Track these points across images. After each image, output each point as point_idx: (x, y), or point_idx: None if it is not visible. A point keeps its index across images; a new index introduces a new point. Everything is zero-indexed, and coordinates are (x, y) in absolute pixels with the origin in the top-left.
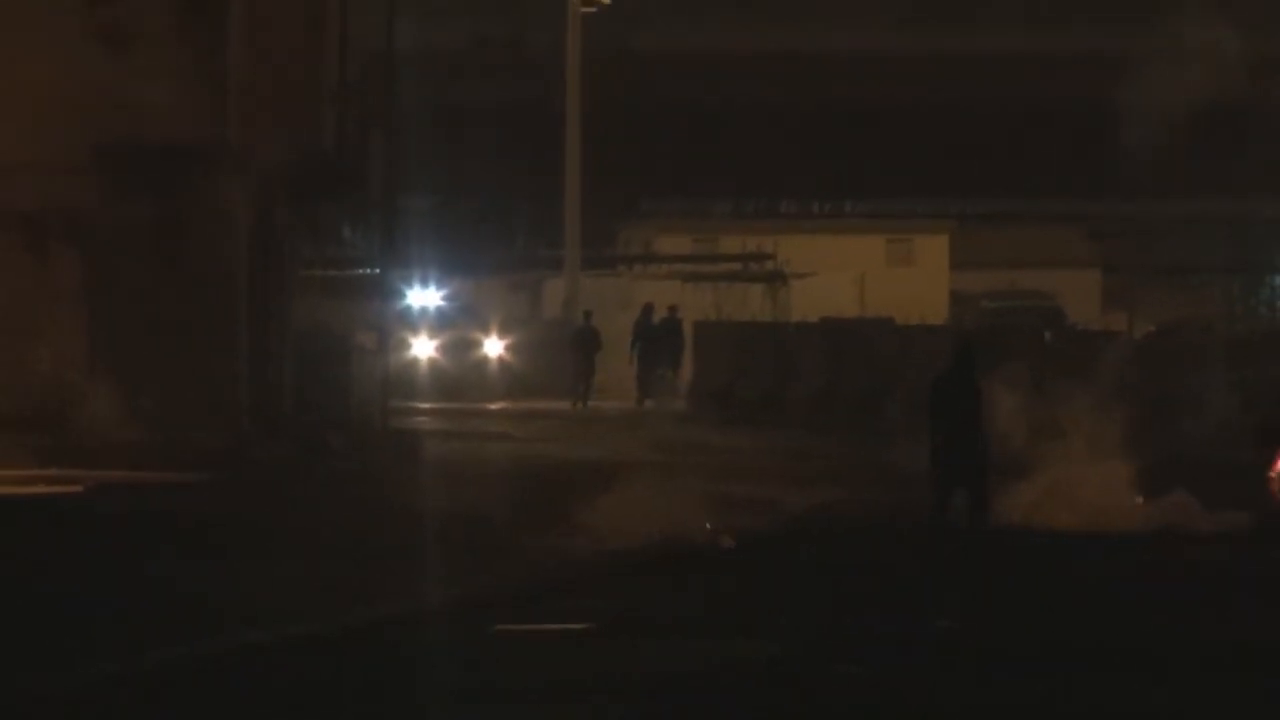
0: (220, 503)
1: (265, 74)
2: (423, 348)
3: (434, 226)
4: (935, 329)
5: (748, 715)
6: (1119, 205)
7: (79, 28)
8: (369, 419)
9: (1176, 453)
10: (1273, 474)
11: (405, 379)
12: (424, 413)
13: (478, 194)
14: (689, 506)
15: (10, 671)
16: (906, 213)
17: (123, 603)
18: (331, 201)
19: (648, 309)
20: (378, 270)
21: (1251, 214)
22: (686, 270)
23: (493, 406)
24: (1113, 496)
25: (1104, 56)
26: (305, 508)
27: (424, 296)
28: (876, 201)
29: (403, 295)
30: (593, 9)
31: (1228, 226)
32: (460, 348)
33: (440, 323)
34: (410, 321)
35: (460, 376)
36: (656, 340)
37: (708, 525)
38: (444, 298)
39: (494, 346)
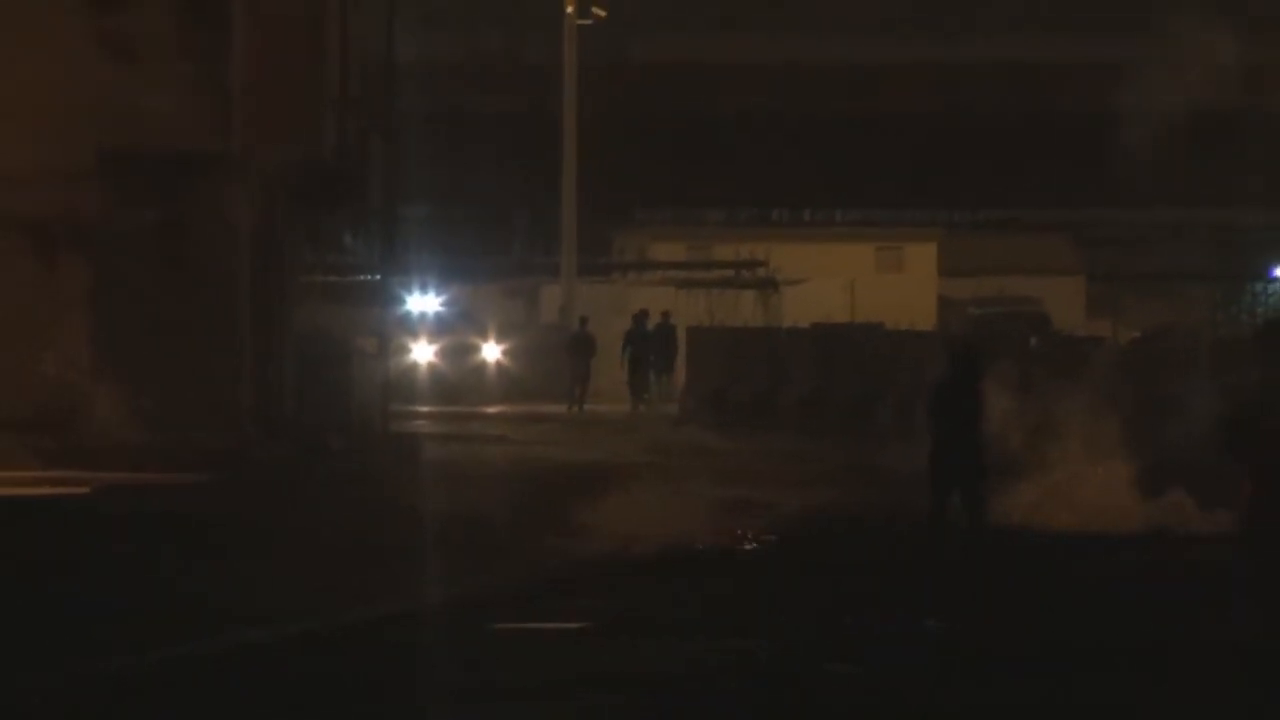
0: (222, 503)
1: (268, 82)
2: (422, 352)
3: (433, 233)
4: (924, 334)
5: (743, 713)
6: (1104, 214)
7: (84, 36)
8: (369, 421)
9: (1168, 454)
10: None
11: (405, 383)
12: (423, 416)
13: (476, 201)
14: (686, 508)
15: (15, 669)
16: (896, 221)
17: (127, 602)
18: (333, 208)
19: (638, 316)
20: (378, 276)
21: (1233, 222)
22: (680, 277)
23: (490, 410)
24: (1109, 497)
25: (1090, 67)
26: (306, 508)
27: (423, 302)
28: (866, 210)
29: (402, 300)
30: (589, 21)
31: (1210, 235)
32: (458, 352)
33: (439, 328)
34: (410, 326)
35: (459, 380)
36: (646, 345)
37: (740, 531)
38: (443, 303)
39: (492, 351)
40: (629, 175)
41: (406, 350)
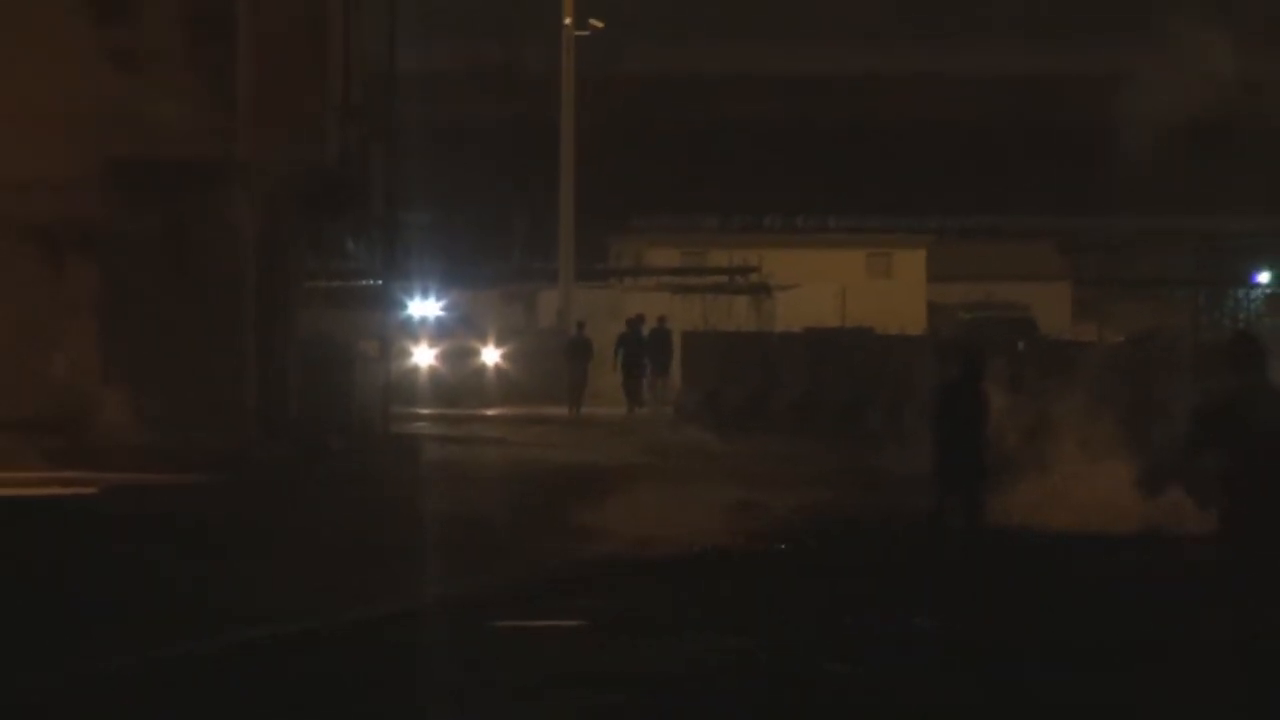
0: (227, 504)
1: (272, 92)
2: (422, 356)
3: (433, 239)
4: (913, 339)
5: (742, 713)
6: (1089, 221)
7: (91, 46)
8: (370, 423)
9: (1162, 456)
10: None
11: (406, 385)
12: (423, 418)
13: (475, 209)
14: (684, 509)
15: (18, 668)
16: (886, 228)
17: (132, 600)
18: (335, 215)
19: (632, 320)
20: (379, 281)
21: (1216, 229)
22: (675, 282)
23: (489, 412)
24: (1107, 497)
25: (1077, 77)
26: (308, 509)
27: (424, 307)
28: (857, 217)
29: (403, 305)
30: (586, 32)
31: (1193, 241)
32: (458, 356)
33: (439, 332)
34: (411, 331)
35: (458, 383)
36: (640, 349)
37: (738, 532)
38: (443, 308)
39: (491, 355)
40: (625, 183)
41: (407, 354)
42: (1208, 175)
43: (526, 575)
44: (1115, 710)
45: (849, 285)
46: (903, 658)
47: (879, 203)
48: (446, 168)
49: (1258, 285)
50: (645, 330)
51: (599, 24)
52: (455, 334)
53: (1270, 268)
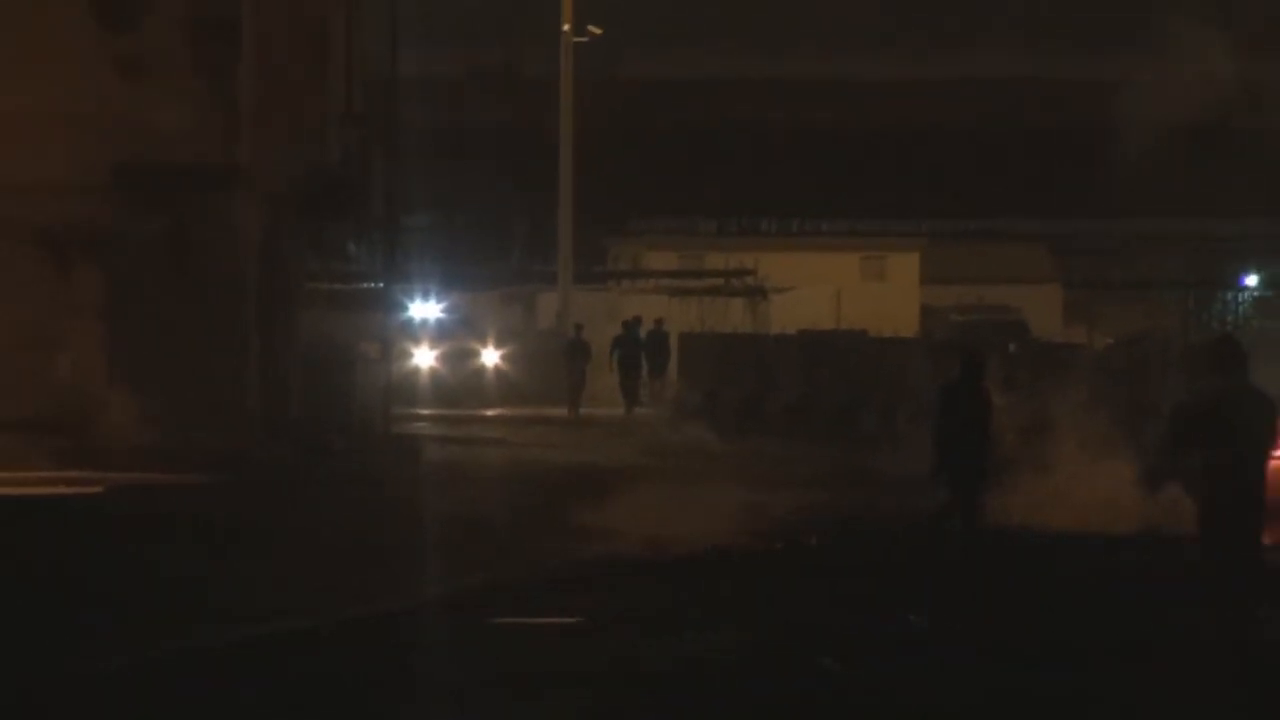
0: (229, 503)
1: (275, 98)
2: (423, 357)
3: (434, 242)
4: (906, 341)
5: (735, 706)
6: (1080, 225)
7: (98, 54)
8: (371, 424)
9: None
10: None
11: (406, 386)
12: (424, 418)
13: (475, 212)
14: (682, 509)
15: (25, 662)
16: (880, 231)
17: (135, 598)
18: (337, 219)
19: (628, 322)
20: (380, 284)
21: (1205, 232)
22: (672, 285)
23: (489, 413)
24: (1103, 496)
25: (1068, 84)
26: (309, 508)
27: (424, 309)
28: (852, 221)
29: (404, 307)
30: (584, 38)
31: (1182, 244)
32: (458, 357)
33: (440, 333)
34: (411, 332)
35: (458, 384)
36: (636, 351)
37: (735, 531)
38: (443, 310)
39: (490, 356)
40: (623, 186)
41: (408, 355)
42: (1197, 179)
43: (526, 574)
44: (1101, 707)
45: (844, 288)
46: (896, 655)
47: (873, 206)
48: (447, 171)
49: (1246, 288)
50: (643, 332)
51: (597, 30)
52: (455, 335)
53: (1258, 270)
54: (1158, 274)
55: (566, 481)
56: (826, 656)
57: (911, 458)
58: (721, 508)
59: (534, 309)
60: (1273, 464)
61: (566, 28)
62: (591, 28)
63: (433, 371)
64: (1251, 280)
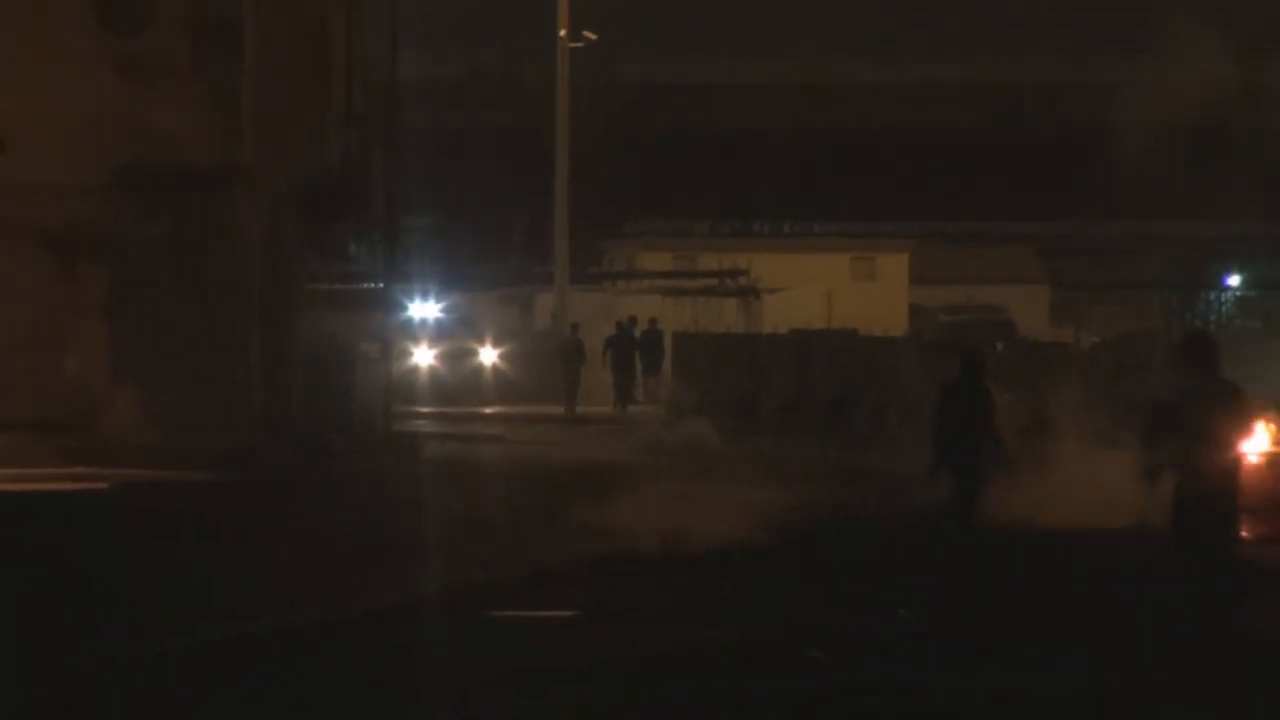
0: (232, 500)
1: (277, 102)
2: (422, 356)
3: (433, 243)
4: (897, 340)
5: (724, 696)
6: (1067, 226)
7: (103, 57)
8: (372, 422)
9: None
10: None
11: (406, 385)
12: (424, 416)
13: (474, 213)
14: (677, 505)
15: (31, 657)
16: (870, 232)
17: (140, 593)
18: (338, 220)
19: (621, 322)
20: (381, 284)
21: (1188, 234)
22: (667, 285)
23: (487, 411)
24: (1098, 492)
25: (1055, 87)
26: (312, 505)
27: (424, 309)
28: (842, 222)
29: (404, 307)
30: (580, 43)
31: (1167, 246)
32: (457, 356)
33: (439, 333)
34: (411, 332)
35: (457, 383)
36: (629, 350)
37: (730, 527)
38: (442, 310)
39: (488, 355)
40: (619, 189)
41: (408, 354)
42: (1182, 182)
43: (525, 570)
44: (1087, 704)
45: (834, 288)
46: (885, 650)
47: (864, 208)
48: (446, 173)
49: (1228, 288)
50: (637, 331)
51: (592, 36)
52: (454, 335)
53: (1240, 271)
54: (1143, 275)
55: (564, 479)
56: (816, 650)
57: (903, 455)
58: (717, 505)
59: (531, 309)
60: (1256, 460)
61: (563, 33)
62: (587, 33)
63: (432, 370)
64: (1234, 280)
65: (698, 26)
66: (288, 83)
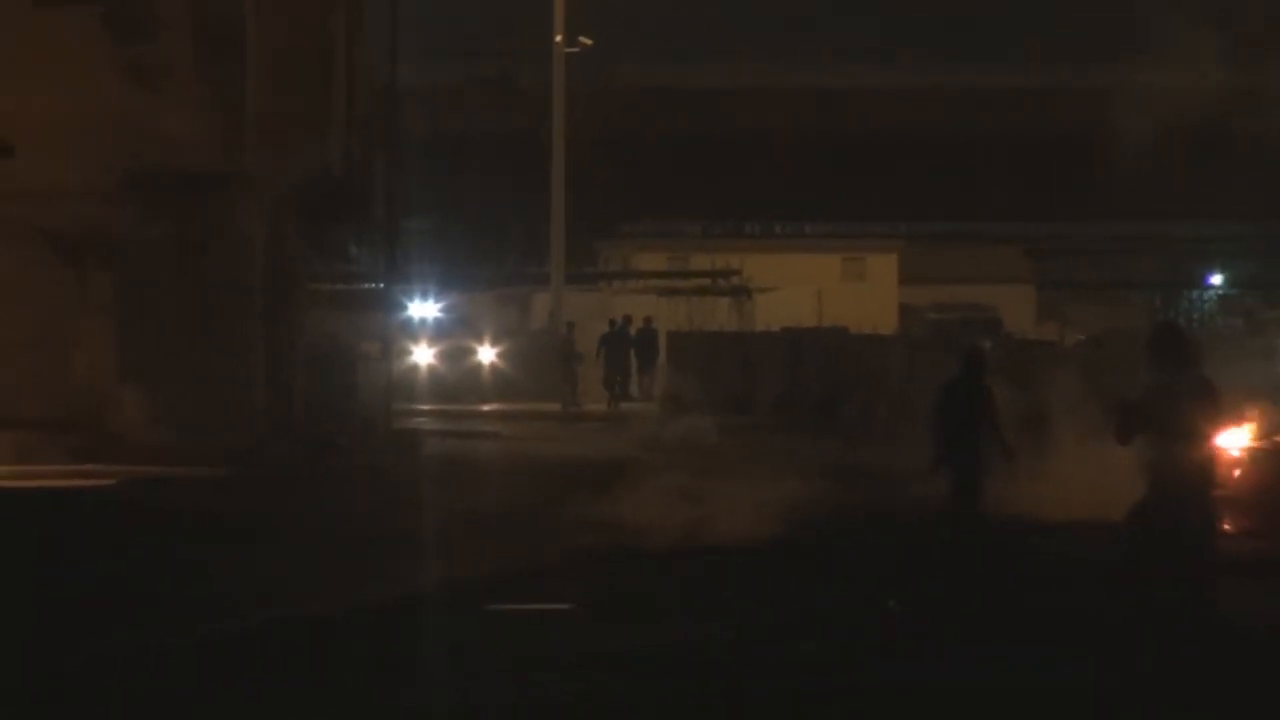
0: (237, 496)
1: (280, 107)
2: (422, 355)
3: (432, 245)
4: (885, 338)
5: (716, 686)
6: (1053, 227)
7: (109, 64)
8: (373, 420)
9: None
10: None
11: (406, 383)
12: (423, 414)
13: (472, 215)
14: (672, 499)
15: (41, 648)
16: (860, 233)
17: (148, 586)
18: (339, 222)
19: (613, 321)
20: (381, 285)
21: (1170, 234)
22: (661, 285)
23: (486, 408)
24: (1087, 485)
25: (1041, 92)
26: (314, 501)
27: (423, 308)
28: (833, 223)
29: (404, 307)
30: (576, 49)
31: (1150, 246)
32: (456, 355)
33: (438, 332)
34: (411, 331)
35: (456, 381)
36: (618, 348)
37: (723, 521)
38: (441, 310)
39: (487, 354)
40: (614, 191)
41: (408, 353)
42: (1166, 183)
43: (522, 563)
44: (1065, 694)
45: (825, 288)
46: (874, 641)
47: (854, 209)
48: (445, 177)
49: (1211, 287)
50: (632, 330)
51: (588, 41)
52: (453, 334)
53: (1223, 270)
54: (1127, 274)
55: (561, 474)
56: (803, 638)
57: (893, 450)
58: (710, 499)
59: (529, 308)
60: (1238, 455)
61: (559, 38)
62: (583, 39)
63: (431, 369)
64: (1217, 279)
65: (692, 32)
66: (289, 87)
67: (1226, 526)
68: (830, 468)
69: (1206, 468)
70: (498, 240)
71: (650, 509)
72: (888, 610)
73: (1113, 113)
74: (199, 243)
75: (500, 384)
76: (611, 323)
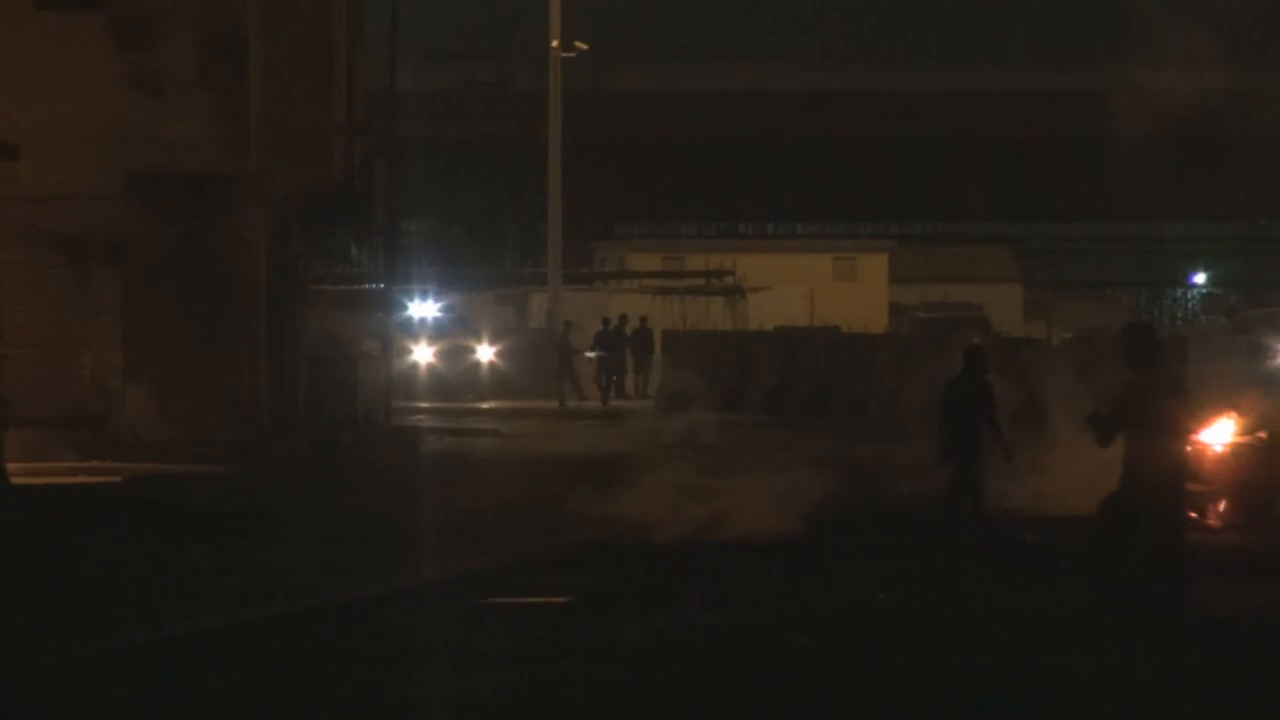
0: (241, 492)
1: (282, 112)
2: (422, 354)
3: (431, 246)
4: (876, 336)
5: (709, 677)
6: (1040, 228)
7: (115, 69)
8: (374, 417)
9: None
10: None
11: (406, 381)
12: (423, 411)
13: (470, 217)
14: (666, 494)
15: (48, 640)
16: (851, 234)
17: (155, 578)
18: (340, 224)
19: (606, 320)
20: (381, 285)
21: (1154, 235)
22: (656, 285)
23: (484, 406)
24: (1079, 479)
25: (1028, 95)
26: (317, 496)
27: (423, 308)
28: (824, 224)
29: (404, 307)
30: (572, 54)
31: (1135, 246)
32: (455, 354)
33: (437, 331)
34: (410, 330)
35: (455, 379)
36: (615, 346)
37: (717, 514)
38: (440, 309)
39: (485, 353)
40: (609, 193)
41: (408, 352)
42: (1147, 186)
43: (515, 554)
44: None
45: (817, 287)
46: (860, 631)
47: (845, 211)
48: (444, 180)
49: (1194, 285)
50: (628, 329)
51: (583, 46)
52: (452, 333)
53: (1206, 269)
54: (1112, 273)
55: (558, 469)
56: (795, 631)
57: (885, 445)
58: (705, 493)
59: (526, 308)
60: (1221, 450)
61: (555, 44)
62: (578, 43)
63: (431, 367)
64: (1200, 278)
65: (684, 37)
66: (292, 94)
67: (1211, 522)
68: (827, 463)
69: (1178, 462)
70: (495, 241)
71: (644, 503)
72: (879, 603)
73: (1099, 115)
74: (203, 244)
75: (498, 382)
76: (605, 321)
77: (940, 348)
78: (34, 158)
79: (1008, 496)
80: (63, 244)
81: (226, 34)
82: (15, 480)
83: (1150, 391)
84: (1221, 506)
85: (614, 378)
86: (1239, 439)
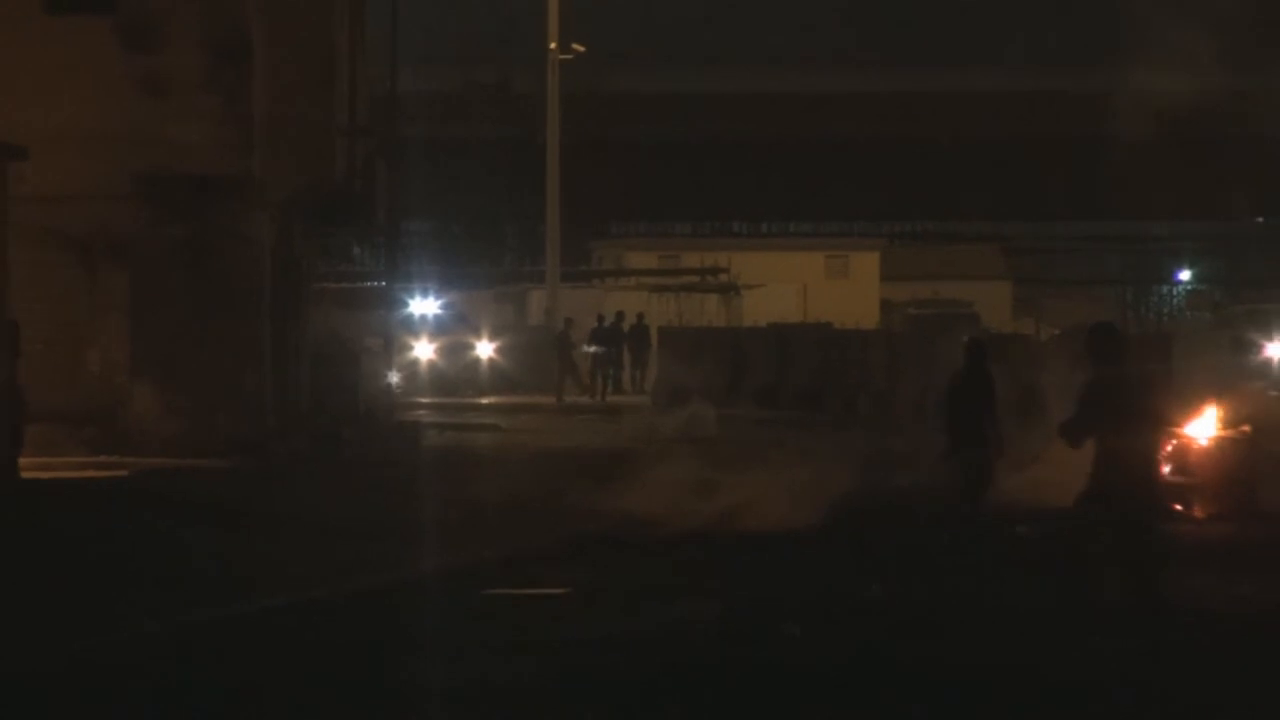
0: (246, 486)
1: (284, 114)
2: (422, 350)
3: (432, 245)
4: (867, 332)
5: (702, 666)
6: (1028, 226)
7: (122, 72)
8: (375, 412)
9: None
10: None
11: (407, 377)
12: (424, 407)
13: (470, 217)
14: (662, 486)
15: (59, 630)
16: (843, 232)
17: (161, 570)
18: (342, 224)
19: (601, 318)
20: (383, 283)
21: (1141, 233)
22: (652, 282)
23: (483, 401)
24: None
25: (1018, 96)
26: (321, 490)
27: (423, 306)
28: (817, 222)
29: (405, 305)
30: (570, 56)
31: (1122, 244)
32: (455, 350)
33: (437, 329)
34: (411, 328)
35: (455, 375)
36: (611, 342)
37: (712, 508)
38: (441, 307)
39: (485, 349)
40: (607, 193)
41: (409, 348)
42: (1133, 185)
43: (515, 547)
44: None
45: (810, 284)
46: (851, 622)
47: (837, 210)
48: (444, 180)
49: (1180, 283)
50: (625, 326)
51: (581, 48)
52: (452, 330)
53: (1191, 266)
54: (1099, 270)
55: (556, 464)
56: (787, 621)
57: (877, 437)
58: (701, 487)
59: (525, 305)
60: (1205, 444)
61: (553, 46)
62: (576, 45)
63: (431, 364)
64: (1185, 275)
65: (680, 39)
66: (295, 97)
67: (1197, 513)
68: (824, 456)
69: (1150, 458)
70: (495, 240)
71: (641, 495)
72: (870, 595)
73: (1087, 116)
74: (210, 245)
75: (498, 378)
76: (600, 318)
77: (931, 344)
78: (42, 159)
79: (1004, 489)
80: (70, 243)
81: (230, 38)
82: (25, 474)
83: (1119, 389)
84: (1207, 499)
85: (610, 373)
86: (1223, 432)
